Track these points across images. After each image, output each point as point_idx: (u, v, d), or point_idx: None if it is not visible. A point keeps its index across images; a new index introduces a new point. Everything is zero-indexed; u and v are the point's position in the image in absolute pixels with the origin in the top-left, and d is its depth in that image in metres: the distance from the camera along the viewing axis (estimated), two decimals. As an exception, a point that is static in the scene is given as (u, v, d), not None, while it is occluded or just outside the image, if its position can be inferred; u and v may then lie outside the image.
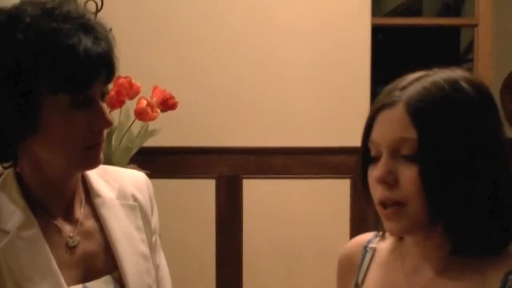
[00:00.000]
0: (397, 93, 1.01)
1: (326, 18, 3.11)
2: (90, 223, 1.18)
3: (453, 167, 0.97)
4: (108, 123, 1.10)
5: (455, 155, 0.97)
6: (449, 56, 5.57)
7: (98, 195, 1.20)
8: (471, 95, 1.00)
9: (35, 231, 1.10)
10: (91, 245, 1.17)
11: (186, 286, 3.13)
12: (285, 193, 3.19)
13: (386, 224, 1.04)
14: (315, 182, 3.18)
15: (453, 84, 1.00)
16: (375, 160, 1.03)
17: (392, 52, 4.60)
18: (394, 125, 0.99)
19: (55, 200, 1.15)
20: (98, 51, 1.05)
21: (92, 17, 1.10)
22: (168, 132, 2.93)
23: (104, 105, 1.11)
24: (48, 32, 1.02)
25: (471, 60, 4.82)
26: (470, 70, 4.83)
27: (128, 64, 2.74)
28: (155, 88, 2.36)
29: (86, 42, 1.03)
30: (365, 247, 1.18)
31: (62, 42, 1.02)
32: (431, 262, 1.06)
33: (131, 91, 2.25)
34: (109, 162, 2.20)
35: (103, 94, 1.11)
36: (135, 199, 1.25)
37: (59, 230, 1.14)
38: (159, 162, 3.03)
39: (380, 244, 1.17)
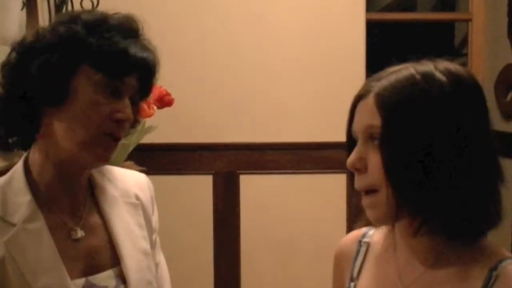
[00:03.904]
0: (372, 83, 1.04)
1: (321, 14, 3.12)
2: (94, 219, 1.21)
3: (414, 155, 0.98)
4: (128, 117, 1.15)
5: (417, 142, 0.98)
6: (443, 51, 5.59)
7: (103, 193, 1.24)
8: (444, 86, 1.01)
9: (40, 225, 1.13)
10: (94, 240, 1.20)
11: (184, 281, 3.15)
12: (282, 188, 3.21)
13: (367, 213, 1.07)
14: (312, 177, 3.19)
15: (427, 75, 1.02)
16: None
17: (387, 47, 4.61)
18: (366, 113, 1.03)
19: (62, 195, 1.18)
20: (141, 55, 1.15)
21: (147, 36, 1.22)
22: (165, 129, 2.94)
23: (129, 104, 1.16)
24: (107, 21, 1.15)
25: (466, 55, 4.84)
26: (464, 64, 4.86)
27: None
28: (151, 85, 2.36)
29: (135, 44, 1.15)
30: (360, 241, 1.21)
31: (116, 31, 1.14)
32: (422, 258, 1.08)
33: (128, 89, 2.26)
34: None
35: (135, 102, 1.18)
36: (137, 198, 1.28)
37: (64, 225, 1.17)
38: (156, 158, 3.05)
39: (374, 238, 1.19)
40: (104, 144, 1.14)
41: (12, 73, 1.13)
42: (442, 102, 1.00)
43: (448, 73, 1.03)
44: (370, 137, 1.03)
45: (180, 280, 3.15)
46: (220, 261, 3.21)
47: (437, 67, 1.04)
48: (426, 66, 1.04)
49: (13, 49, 1.15)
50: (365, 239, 1.21)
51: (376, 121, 1.01)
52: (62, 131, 1.13)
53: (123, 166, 2.23)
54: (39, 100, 1.12)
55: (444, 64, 1.05)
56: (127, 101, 1.15)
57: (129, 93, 1.16)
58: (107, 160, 1.17)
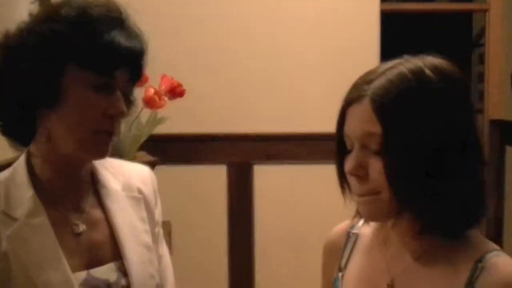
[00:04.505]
0: (364, 87, 1.03)
1: (335, 4, 3.10)
2: (96, 213, 1.22)
3: (416, 160, 0.99)
4: (121, 112, 1.15)
5: (419, 148, 0.99)
6: (461, 41, 5.54)
7: (104, 187, 1.24)
8: (436, 85, 1.01)
9: (42, 219, 1.14)
10: (96, 234, 1.20)
11: (198, 273, 3.17)
12: (296, 179, 3.20)
13: (361, 210, 1.08)
14: (326, 168, 3.16)
15: (418, 74, 1.01)
16: (351, 151, 1.06)
17: (402, 38, 4.58)
18: (362, 120, 1.02)
19: (64, 190, 1.19)
20: (128, 45, 1.13)
21: (132, 20, 1.19)
22: (179, 120, 2.95)
23: (122, 97, 1.16)
24: (88, 14, 1.11)
25: (483, 45, 4.79)
26: (482, 55, 4.81)
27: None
28: (163, 76, 2.38)
29: (120, 34, 1.12)
30: (349, 232, 1.22)
31: (98, 25, 1.11)
32: (409, 249, 1.09)
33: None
34: (118, 150, 2.23)
35: (126, 93, 1.17)
36: (140, 191, 1.29)
37: (66, 219, 1.18)
38: (169, 149, 3.06)
39: (363, 230, 1.20)
40: (99, 141, 1.15)
41: (1, 77, 1.14)
42: (436, 103, 1.00)
43: (435, 70, 1.02)
44: (368, 143, 1.02)
45: (195, 271, 3.18)
46: (234, 252, 3.22)
47: (424, 63, 1.03)
48: (413, 62, 1.04)
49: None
50: (354, 231, 1.22)
51: (375, 128, 1.00)
52: (58, 131, 1.14)
53: (135, 157, 2.25)
54: (32, 103, 1.12)
55: (427, 60, 1.04)
56: (119, 94, 1.14)
57: (120, 85, 1.15)
58: (104, 156, 1.18)
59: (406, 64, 1.04)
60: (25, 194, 1.15)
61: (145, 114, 2.38)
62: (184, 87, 2.40)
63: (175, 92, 2.36)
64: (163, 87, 2.34)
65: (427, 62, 1.04)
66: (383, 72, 1.03)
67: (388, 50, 3.27)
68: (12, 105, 1.13)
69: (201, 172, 3.19)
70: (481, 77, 5.00)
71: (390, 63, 1.05)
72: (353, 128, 1.04)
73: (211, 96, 3.13)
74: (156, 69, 2.34)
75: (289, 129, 3.16)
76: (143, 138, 2.39)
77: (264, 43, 3.13)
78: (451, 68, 1.04)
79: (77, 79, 1.11)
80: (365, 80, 1.04)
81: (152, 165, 2.42)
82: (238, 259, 3.22)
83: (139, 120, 2.37)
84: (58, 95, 1.11)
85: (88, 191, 1.23)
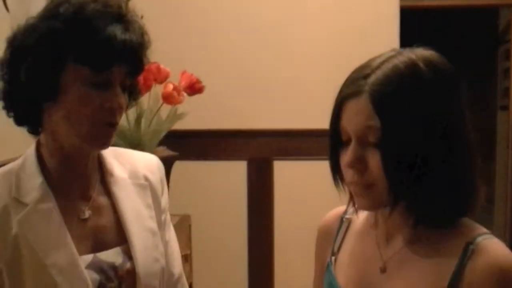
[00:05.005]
0: (361, 82, 1.06)
1: (353, 2, 3.12)
2: (102, 200, 1.28)
3: (412, 151, 1.02)
4: (117, 105, 1.18)
5: (415, 140, 1.02)
6: (486, 37, 5.48)
7: (111, 175, 1.29)
8: (429, 78, 1.04)
9: (51, 205, 1.20)
10: (102, 220, 1.26)
11: (218, 268, 3.21)
12: (316, 174, 3.21)
13: (357, 200, 1.12)
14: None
15: (412, 68, 1.05)
16: (347, 144, 1.09)
17: (426, 34, 4.56)
18: (360, 114, 1.05)
19: (71, 178, 1.25)
20: (123, 38, 1.15)
21: (129, 11, 1.20)
22: (199, 116, 2.99)
23: (120, 91, 1.19)
24: (85, 10, 1.14)
25: (509, 41, 4.73)
26: (508, 51, 4.76)
27: (159, 50, 2.81)
28: (183, 73, 2.42)
29: (116, 28, 1.14)
30: (342, 218, 1.26)
31: (95, 21, 1.13)
32: (401, 234, 1.13)
33: (159, 76, 2.32)
34: (139, 144, 2.28)
35: (125, 86, 1.21)
36: (146, 179, 1.33)
37: (74, 205, 1.24)
38: (189, 145, 3.10)
39: (355, 215, 1.23)
40: (100, 132, 1.19)
41: (8, 71, 1.19)
42: (430, 96, 1.04)
43: (428, 63, 1.05)
44: (366, 136, 1.05)
45: (214, 267, 3.22)
46: (254, 247, 3.25)
47: (417, 56, 1.06)
48: (406, 56, 1.07)
49: (7, 46, 1.19)
50: (347, 216, 1.26)
51: (374, 122, 1.03)
52: (60, 124, 1.19)
53: (155, 152, 2.30)
54: (35, 98, 1.17)
55: (419, 52, 1.07)
56: (117, 89, 1.18)
57: (119, 79, 1.18)
58: (105, 146, 1.23)
59: (399, 57, 1.06)
60: (34, 182, 1.20)
61: (165, 109, 2.43)
62: (204, 84, 2.44)
63: (194, 88, 2.40)
64: (182, 83, 2.38)
65: (419, 55, 1.07)
66: (378, 67, 1.06)
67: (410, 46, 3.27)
68: (19, 99, 1.19)
69: (221, 168, 3.22)
70: (506, 73, 4.95)
71: (382, 57, 1.08)
72: (351, 122, 1.07)
73: (231, 92, 3.17)
74: (177, 66, 2.40)
75: (309, 125, 3.18)
76: (163, 133, 2.43)
77: (285, 40, 3.16)
78: (441, 60, 1.08)
79: (75, 75, 1.15)
80: (361, 74, 1.07)
81: (171, 160, 2.46)
82: (258, 254, 3.25)
83: (159, 115, 2.41)
84: (57, 91, 1.15)
85: (96, 179, 1.28)
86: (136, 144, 2.27)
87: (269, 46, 3.16)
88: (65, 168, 1.24)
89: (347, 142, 1.08)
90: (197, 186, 3.20)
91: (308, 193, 3.22)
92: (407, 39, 3.21)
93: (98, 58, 1.14)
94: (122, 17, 1.17)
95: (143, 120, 2.35)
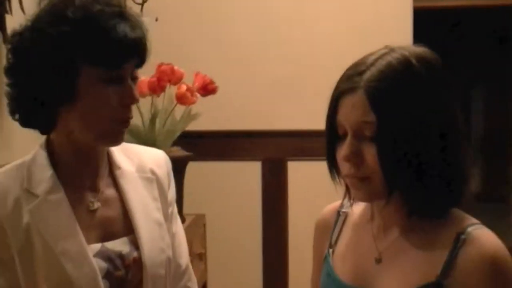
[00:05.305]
0: (356, 78, 1.10)
1: (367, 3, 3.13)
2: (110, 192, 1.33)
3: (407, 145, 1.06)
4: (135, 99, 1.24)
5: (410, 134, 1.06)
6: (504, 37, 5.46)
7: (119, 168, 1.35)
8: (421, 74, 1.09)
9: (60, 196, 1.25)
10: (110, 211, 1.31)
11: (233, 268, 3.23)
12: (329, 175, 3.23)
13: (353, 193, 1.16)
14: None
15: (405, 64, 1.09)
16: (343, 138, 1.13)
17: (438, 34, 4.55)
18: (356, 110, 1.09)
19: (81, 170, 1.30)
20: (134, 37, 1.20)
21: (128, 7, 1.25)
22: (213, 116, 3.03)
23: (132, 84, 1.24)
24: (93, 12, 1.18)
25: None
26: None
27: (173, 51, 2.85)
28: (197, 74, 2.46)
29: (124, 26, 1.19)
30: (338, 211, 1.31)
31: (104, 22, 1.17)
32: (396, 225, 1.17)
33: (174, 77, 2.37)
34: (153, 144, 2.32)
35: (133, 77, 1.25)
36: (153, 173, 1.38)
37: (82, 197, 1.29)
38: (204, 145, 3.13)
39: (352, 209, 1.27)
40: (116, 130, 1.24)
41: (16, 75, 1.22)
42: (423, 91, 1.08)
43: (420, 59, 1.10)
44: (362, 131, 1.09)
45: (229, 267, 3.24)
46: (268, 246, 3.27)
47: (410, 53, 1.10)
48: (399, 52, 1.11)
49: (10, 50, 1.22)
50: (344, 209, 1.30)
51: (369, 117, 1.07)
52: (77, 125, 1.23)
53: (169, 152, 2.33)
54: (49, 101, 1.21)
55: (411, 49, 1.12)
56: (130, 83, 1.23)
57: (129, 73, 1.23)
58: (120, 143, 1.28)
59: (392, 54, 1.11)
60: (45, 174, 1.25)
61: (179, 110, 2.47)
62: (218, 85, 2.47)
63: (207, 89, 2.43)
64: (196, 84, 2.42)
65: (411, 51, 1.11)
66: (372, 63, 1.10)
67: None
68: (28, 101, 1.22)
69: (236, 168, 3.25)
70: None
71: (376, 54, 1.13)
72: (347, 116, 1.11)
73: (244, 93, 3.21)
74: (191, 67, 2.44)
75: (323, 126, 3.18)
76: (177, 134, 2.46)
77: (298, 41, 3.18)
78: (433, 57, 1.12)
79: (90, 76, 1.19)
80: (356, 71, 1.11)
81: (186, 160, 2.50)
82: (272, 254, 3.27)
83: (173, 116, 2.45)
84: (73, 93, 1.19)
85: (104, 172, 1.33)
86: (150, 144, 2.29)
87: (283, 47, 3.19)
88: (75, 162, 1.28)
89: (343, 136, 1.12)
90: (211, 186, 3.23)
91: (322, 193, 3.20)
92: (420, 40, 3.22)
93: (112, 57, 1.18)
94: (124, 14, 1.21)
95: (157, 121, 2.39)
